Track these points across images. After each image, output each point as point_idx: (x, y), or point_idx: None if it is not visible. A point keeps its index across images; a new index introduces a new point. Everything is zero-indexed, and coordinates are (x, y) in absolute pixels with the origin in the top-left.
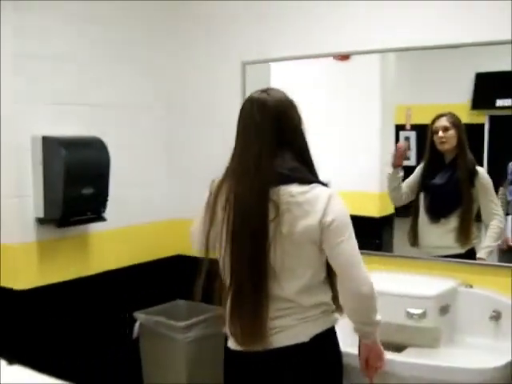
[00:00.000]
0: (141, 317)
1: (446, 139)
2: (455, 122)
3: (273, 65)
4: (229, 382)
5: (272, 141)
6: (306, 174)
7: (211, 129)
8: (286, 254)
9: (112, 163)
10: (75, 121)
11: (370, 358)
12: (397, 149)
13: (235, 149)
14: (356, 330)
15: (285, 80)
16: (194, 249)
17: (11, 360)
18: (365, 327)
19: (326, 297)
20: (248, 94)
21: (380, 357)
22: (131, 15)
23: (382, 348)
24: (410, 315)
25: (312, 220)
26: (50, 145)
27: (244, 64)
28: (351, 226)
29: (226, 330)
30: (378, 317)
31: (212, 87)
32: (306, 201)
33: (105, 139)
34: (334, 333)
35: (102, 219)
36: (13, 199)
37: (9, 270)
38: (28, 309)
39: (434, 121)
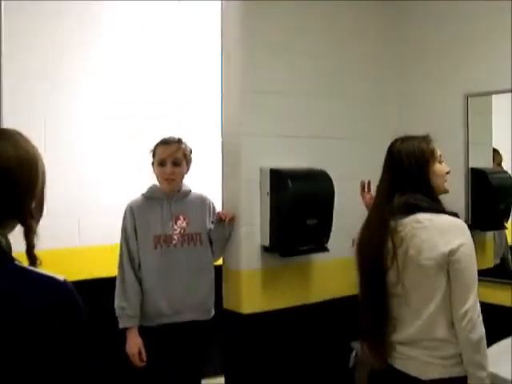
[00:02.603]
0: (357, 346)
1: None
2: None
3: (494, 97)
4: None
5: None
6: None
7: None
8: None
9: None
10: (300, 153)
11: None
12: None
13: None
14: None
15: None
16: None
17: None
18: None
19: None
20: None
21: None
22: (350, 51)
23: None
24: None
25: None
26: (278, 177)
27: (466, 96)
28: None
29: None
30: None
31: (432, 118)
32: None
33: (327, 170)
34: None
35: (325, 250)
36: (242, 227)
37: (234, 294)
38: (252, 332)
39: None
